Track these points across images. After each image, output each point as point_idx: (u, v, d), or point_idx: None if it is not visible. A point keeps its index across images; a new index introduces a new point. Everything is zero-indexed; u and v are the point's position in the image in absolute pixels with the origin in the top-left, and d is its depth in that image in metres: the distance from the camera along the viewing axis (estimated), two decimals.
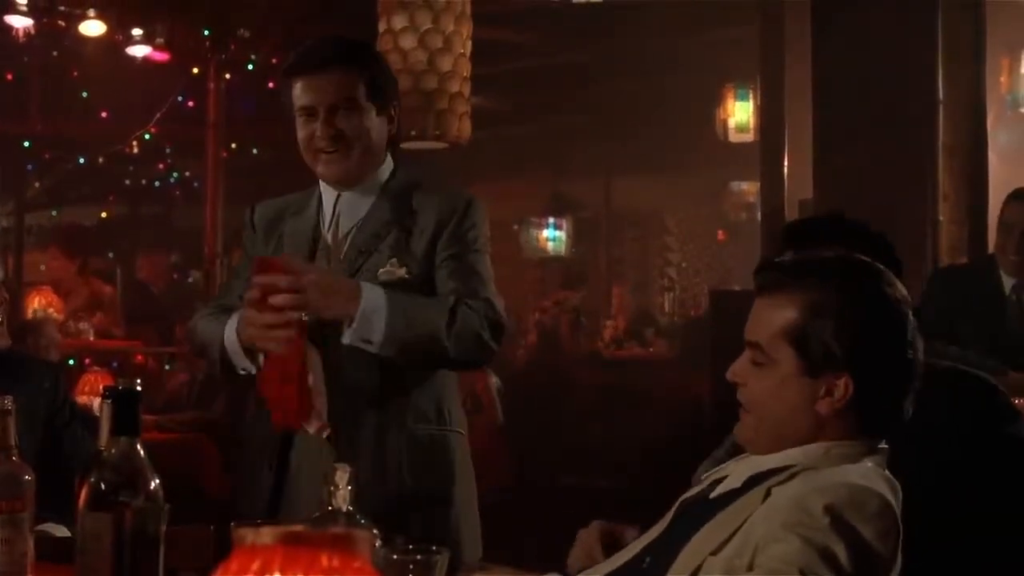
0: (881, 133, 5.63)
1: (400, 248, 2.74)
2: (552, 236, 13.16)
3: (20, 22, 8.30)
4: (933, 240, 5.62)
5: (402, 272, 2.71)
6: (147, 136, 10.03)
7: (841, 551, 1.68)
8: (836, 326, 1.82)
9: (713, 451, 3.60)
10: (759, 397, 1.90)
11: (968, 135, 5.69)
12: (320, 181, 2.85)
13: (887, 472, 1.85)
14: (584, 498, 6.53)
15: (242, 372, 2.69)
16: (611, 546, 2.08)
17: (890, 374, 1.86)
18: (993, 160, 6.07)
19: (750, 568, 1.73)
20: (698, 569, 1.80)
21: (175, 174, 12.27)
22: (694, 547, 1.82)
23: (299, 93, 2.76)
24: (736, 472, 1.94)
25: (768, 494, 1.81)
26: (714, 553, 1.79)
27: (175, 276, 12.58)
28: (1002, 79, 8.26)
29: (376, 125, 2.77)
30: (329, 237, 2.80)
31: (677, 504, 2.01)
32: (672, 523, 1.97)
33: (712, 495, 1.94)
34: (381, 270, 2.71)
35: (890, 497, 1.78)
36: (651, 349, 10.12)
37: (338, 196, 2.82)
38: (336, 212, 2.81)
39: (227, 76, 9.38)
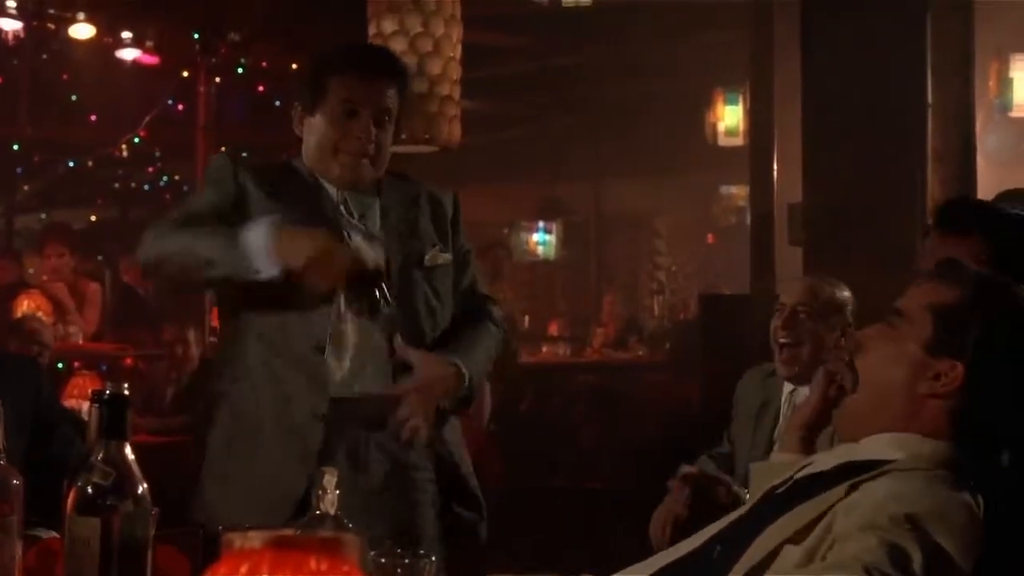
0: (870, 136, 5.64)
1: (430, 234, 2.83)
2: (542, 240, 13.16)
3: (9, 25, 8.29)
4: (921, 244, 5.63)
5: (447, 256, 2.84)
6: (137, 139, 10.01)
7: (917, 558, 1.64)
8: (980, 320, 1.85)
9: (715, 448, 3.62)
10: (874, 363, 1.92)
11: (957, 139, 5.69)
12: (315, 177, 2.83)
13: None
14: (575, 500, 6.53)
15: (257, 275, 2.55)
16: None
17: (1004, 392, 1.86)
18: (981, 164, 6.08)
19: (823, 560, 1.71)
20: (771, 555, 1.77)
21: (165, 177, 12.26)
22: (770, 534, 1.79)
23: (344, 86, 2.76)
24: (824, 459, 1.93)
25: (854, 488, 1.78)
26: (794, 542, 1.76)
27: None
28: (991, 83, 8.28)
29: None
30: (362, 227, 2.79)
31: (761, 495, 1.97)
32: (749, 512, 1.94)
33: (797, 476, 1.91)
34: (426, 256, 2.80)
35: (976, 510, 1.74)
36: (641, 352, 10.13)
37: (338, 191, 2.83)
38: (345, 203, 2.81)
39: (217, 79, 9.39)
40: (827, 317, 3.44)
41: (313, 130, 2.81)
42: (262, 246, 2.53)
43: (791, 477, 1.93)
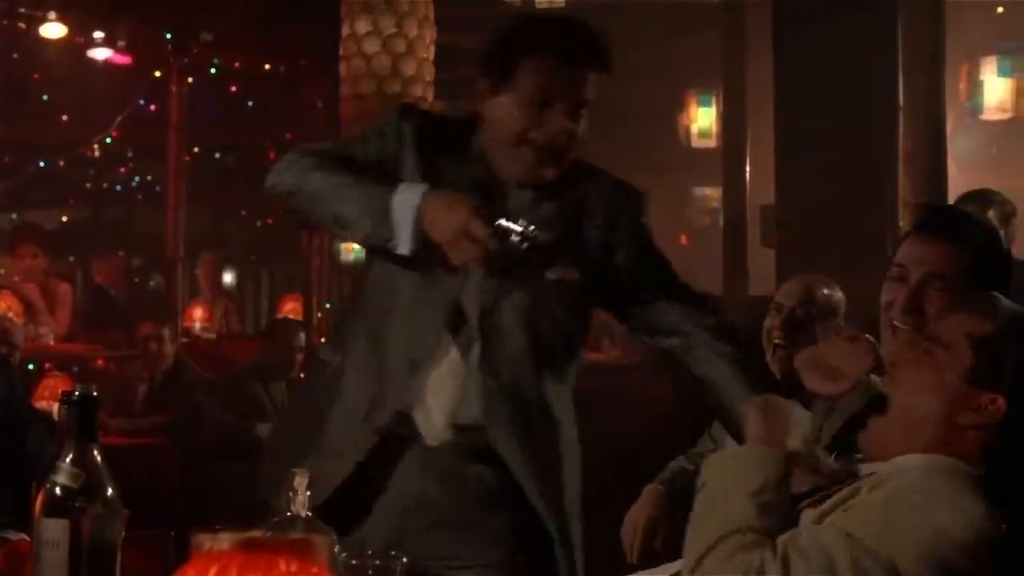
0: (842, 139, 5.67)
1: (570, 245, 2.49)
2: None
3: None
4: (893, 246, 5.66)
5: (573, 275, 2.48)
6: (108, 139, 9.95)
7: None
8: (1016, 353, 1.88)
9: (692, 449, 3.64)
10: (909, 388, 1.93)
11: (927, 141, 5.73)
12: (484, 158, 2.49)
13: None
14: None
15: (392, 248, 2.31)
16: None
17: None
18: (951, 167, 6.12)
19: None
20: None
21: (137, 177, 12.19)
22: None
23: (538, 72, 2.42)
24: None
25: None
26: (813, 506, 1.82)
27: (136, 280, 12.49)
28: (961, 86, 8.33)
29: None
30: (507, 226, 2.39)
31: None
32: None
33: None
34: (550, 271, 2.46)
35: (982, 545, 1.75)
36: (615, 353, 10.13)
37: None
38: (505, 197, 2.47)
39: (189, 79, 9.35)
40: (822, 319, 3.45)
41: (497, 112, 2.44)
42: (408, 220, 2.29)
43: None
